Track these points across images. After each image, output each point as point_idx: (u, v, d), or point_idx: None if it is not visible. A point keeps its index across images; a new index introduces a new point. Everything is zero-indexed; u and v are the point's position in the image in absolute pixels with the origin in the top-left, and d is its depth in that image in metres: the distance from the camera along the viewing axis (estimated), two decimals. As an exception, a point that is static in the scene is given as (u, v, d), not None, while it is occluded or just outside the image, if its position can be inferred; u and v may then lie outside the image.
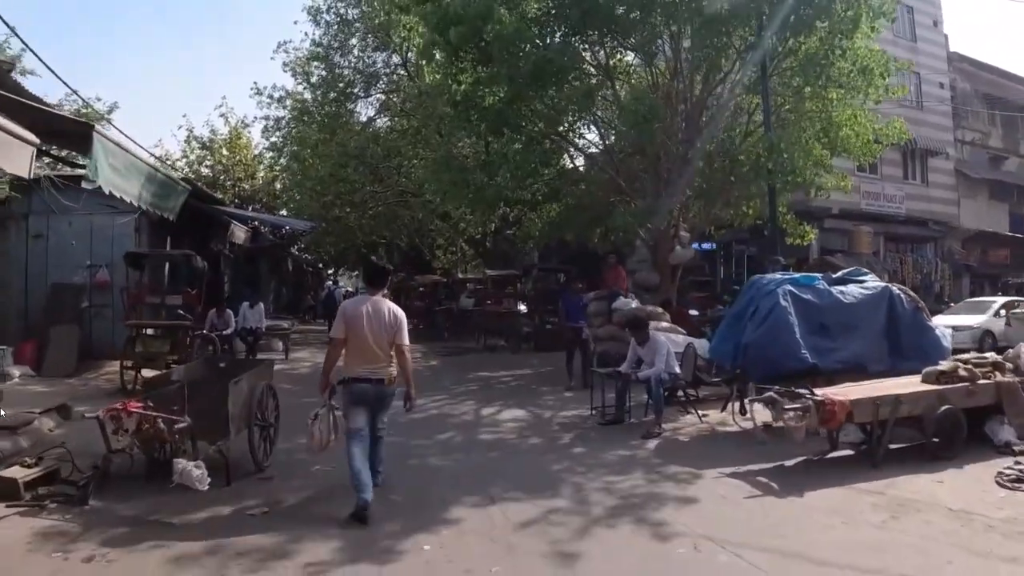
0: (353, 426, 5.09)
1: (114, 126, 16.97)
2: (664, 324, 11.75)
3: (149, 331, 10.34)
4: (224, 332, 14.06)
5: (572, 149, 15.50)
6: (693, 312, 11.60)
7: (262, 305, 15.09)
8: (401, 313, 5.34)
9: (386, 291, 5.76)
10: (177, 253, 10.49)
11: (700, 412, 8.45)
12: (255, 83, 37.13)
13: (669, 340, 9.57)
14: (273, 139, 27.26)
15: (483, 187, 14.22)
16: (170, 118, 65.29)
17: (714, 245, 19.94)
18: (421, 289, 27.57)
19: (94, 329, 12.80)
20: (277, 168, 29.69)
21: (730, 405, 8.57)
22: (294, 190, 26.19)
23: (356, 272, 51.31)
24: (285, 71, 26.20)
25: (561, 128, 14.43)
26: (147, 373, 9.88)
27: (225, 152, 31.66)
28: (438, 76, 15.01)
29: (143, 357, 9.90)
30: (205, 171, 31.15)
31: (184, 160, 31.06)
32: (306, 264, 35.68)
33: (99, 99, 23.71)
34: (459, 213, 24.18)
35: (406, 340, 5.25)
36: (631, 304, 12.33)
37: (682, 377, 8.29)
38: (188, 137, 31.27)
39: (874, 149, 14.66)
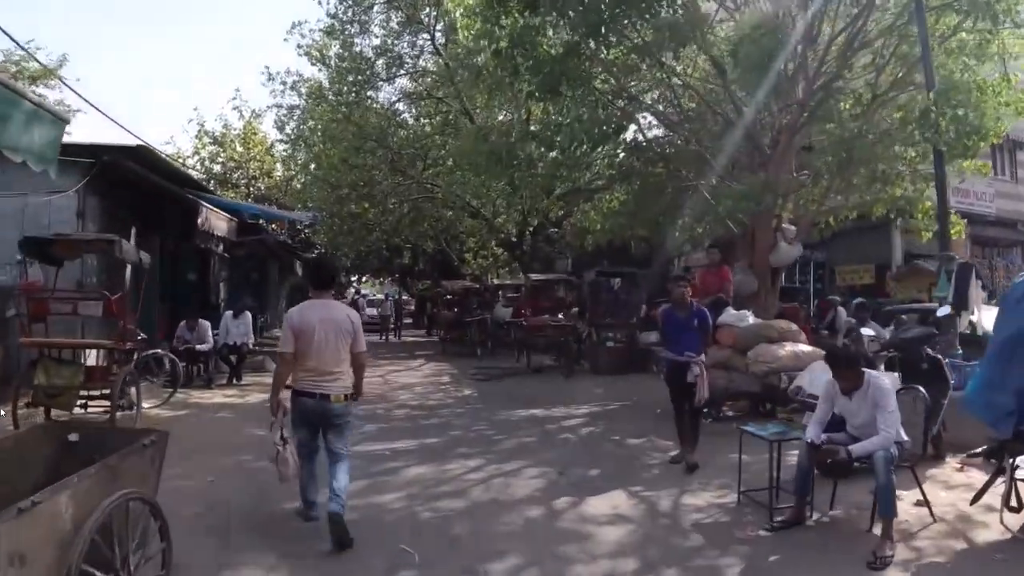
0: (298, 442, 4.57)
1: (66, 84, 13.99)
2: (804, 347, 8.27)
3: (60, 353, 7.05)
4: (200, 348, 10.96)
5: (647, 115, 12.00)
6: (868, 332, 8.02)
7: (249, 315, 11.84)
8: (357, 317, 4.70)
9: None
10: (94, 238, 7.26)
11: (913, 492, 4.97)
12: (266, 67, 34.04)
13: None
14: (287, 130, 24.64)
15: (533, 162, 10.87)
16: (183, 113, 62.78)
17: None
18: (448, 297, 24.26)
19: (24, 345, 9.70)
20: (291, 163, 27.05)
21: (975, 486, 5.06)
22: (309, 186, 23.40)
23: (381, 279, 48.40)
24: (299, 54, 23.25)
25: (634, 83, 10.96)
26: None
27: (239, 148, 29.42)
28: (473, 32, 11.70)
29: (46, 393, 6.66)
30: (217, 168, 28.92)
31: (196, 157, 28.94)
32: (324, 269, 32.58)
33: (39, 48, 21.17)
34: (494, 208, 20.96)
35: (364, 347, 4.66)
36: (747, 318, 8.85)
37: (909, 447, 4.79)
38: (199, 132, 29.13)
39: (999, 127, 11.02)
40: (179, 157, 26.64)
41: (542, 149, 10.49)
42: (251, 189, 28.56)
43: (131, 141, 11.12)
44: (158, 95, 68.34)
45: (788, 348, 8.00)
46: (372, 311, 29.92)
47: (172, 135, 77.67)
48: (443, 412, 9.34)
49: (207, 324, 10.95)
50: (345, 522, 4.20)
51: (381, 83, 21.87)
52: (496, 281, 23.79)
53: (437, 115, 21.45)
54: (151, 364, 9.38)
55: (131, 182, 10.30)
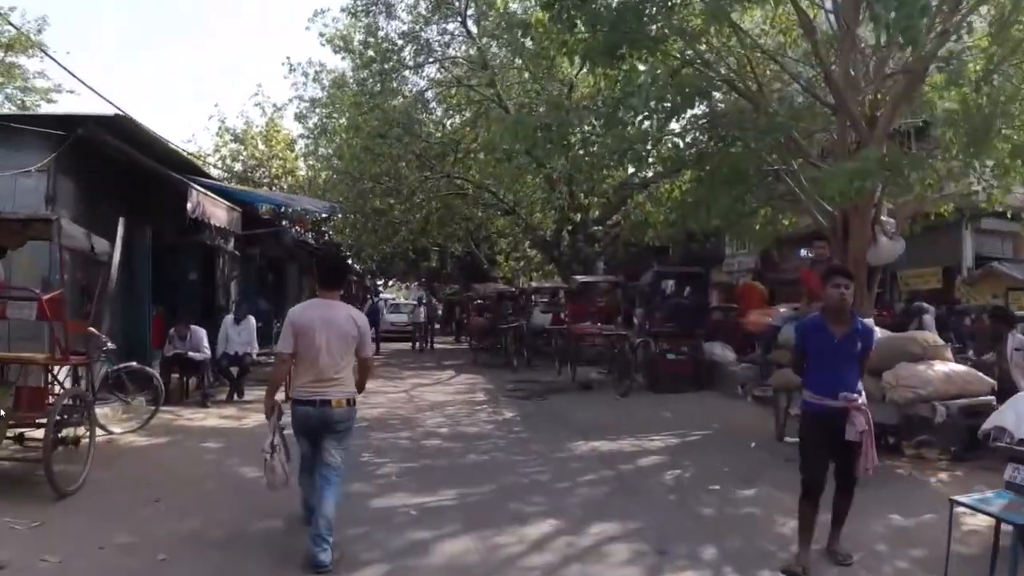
0: (301, 455, 4.34)
1: (46, 52, 12.57)
2: (957, 367, 6.36)
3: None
4: (193, 356, 9.34)
5: (722, 85, 10.09)
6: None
7: (253, 321, 10.18)
8: (363, 320, 4.35)
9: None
10: (27, 218, 5.52)
11: None
12: (287, 58, 32.85)
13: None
14: (309, 124, 23.33)
15: (588, 141, 9.08)
16: (206, 111, 62.28)
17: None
18: (480, 302, 22.44)
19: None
20: (312, 159, 25.78)
21: None
22: (331, 182, 22.00)
23: (407, 284, 46.69)
24: (321, 43, 21.76)
25: (706, 50, 9.15)
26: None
27: (261, 146, 28.37)
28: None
29: (-31, 421, 5.03)
30: (238, 167, 27.84)
31: (217, 155, 27.92)
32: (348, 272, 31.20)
33: (12, 9, 19.66)
34: (529, 204, 19.22)
35: (370, 352, 4.45)
36: (874, 331, 6.91)
37: None
38: (220, 129, 28.11)
39: None
40: (200, 156, 25.46)
41: (601, 122, 8.71)
42: (273, 188, 27.33)
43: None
44: (179, 92, 67.98)
45: (938, 369, 6.07)
46: (398, 318, 27.98)
47: (193, 133, 77.53)
48: (483, 444, 7.49)
49: (202, 331, 9.30)
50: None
51: (408, 71, 20.31)
52: (533, 284, 21.95)
53: (468, 106, 19.77)
54: (123, 380, 7.76)
55: (115, 162, 8.73)
